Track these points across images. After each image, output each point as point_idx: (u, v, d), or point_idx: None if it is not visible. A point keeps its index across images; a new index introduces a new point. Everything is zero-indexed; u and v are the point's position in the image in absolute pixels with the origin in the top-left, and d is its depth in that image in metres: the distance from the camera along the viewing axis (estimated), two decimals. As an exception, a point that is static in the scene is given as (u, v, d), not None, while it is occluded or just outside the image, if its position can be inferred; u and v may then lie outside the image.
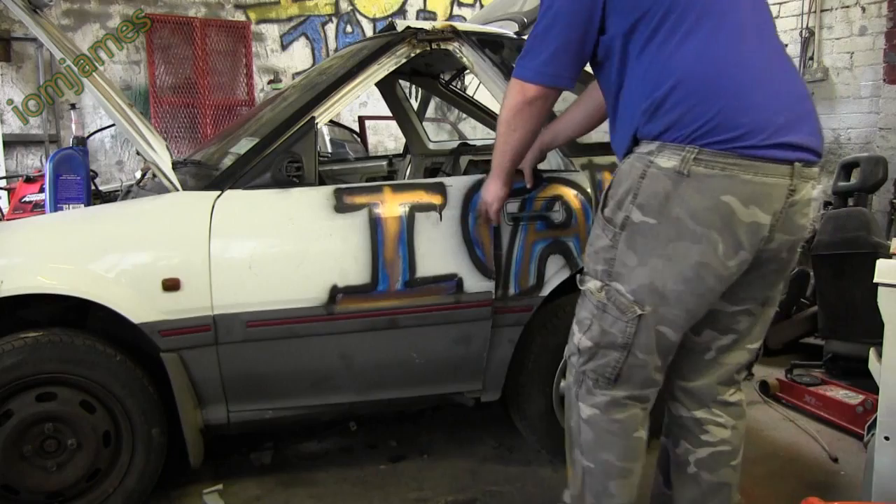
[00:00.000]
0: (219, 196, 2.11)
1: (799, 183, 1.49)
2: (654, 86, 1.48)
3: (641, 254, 1.52)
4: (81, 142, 2.69)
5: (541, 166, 2.29)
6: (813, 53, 5.30)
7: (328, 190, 2.18)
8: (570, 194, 2.31)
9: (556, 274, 2.30)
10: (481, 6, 7.30)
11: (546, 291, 2.30)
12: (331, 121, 2.95)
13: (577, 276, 1.70)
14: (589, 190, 2.32)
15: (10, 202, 3.75)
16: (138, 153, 2.35)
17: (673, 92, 1.46)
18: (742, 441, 1.81)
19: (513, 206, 2.25)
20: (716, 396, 1.76)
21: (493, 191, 2.03)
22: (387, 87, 3.54)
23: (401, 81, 3.63)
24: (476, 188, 2.24)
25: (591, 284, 1.60)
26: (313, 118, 2.22)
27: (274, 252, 2.12)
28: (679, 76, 1.46)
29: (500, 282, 2.24)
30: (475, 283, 2.22)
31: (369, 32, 6.95)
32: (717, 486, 1.76)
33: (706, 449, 1.75)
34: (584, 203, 2.31)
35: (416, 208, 2.19)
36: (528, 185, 2.23)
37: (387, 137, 6.92)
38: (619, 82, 1.58)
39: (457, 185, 2.25)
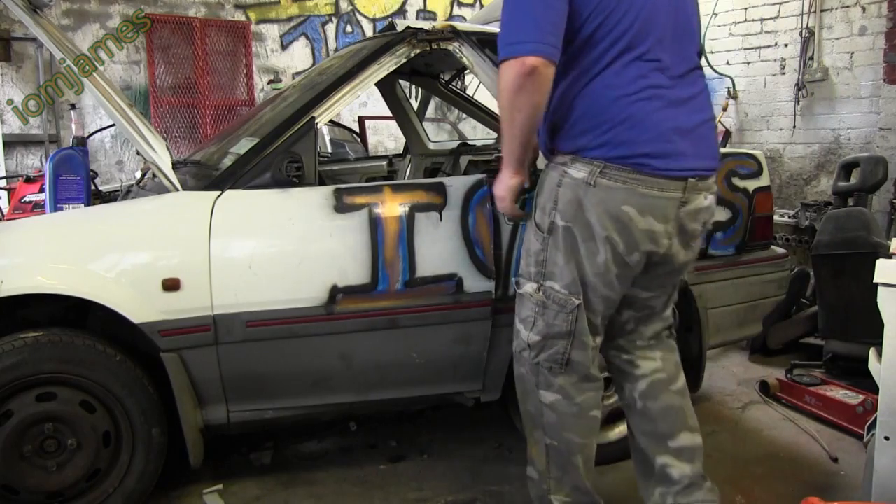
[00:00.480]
0: (219, 196, 2.11)
1: (691, 195, 1.73)
2: (583, 108, 1.67)
3: (566, 253, 1.74)
4: (81, 142, 2.69)
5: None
6: (813, 53, 5.30)
7: (328, 190, 2.18)
8: None
9: None
10: (481, 6, 7.30)
11: None
12: (331, 121, 2.95)
13: (514, 280, 1.88)
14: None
15: (10, 202, 3.74)
16: (138, 153, 2.35)
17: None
18: (677, 369, 2.01)
19: None
20: (638, 343, 1.99)
21: (503, 182, 1.86)
22: (387, 87, 3.54)
23: (401, 81, 3.63)
24: (476, 188, 2.24)
25: (528, 287, 1.81)
26: (313, 118, 2.22)
27: (274, 252, 2.11)
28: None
29: (500, 281, 2.24)
30: (475, 282, 2.22)
31: (369, 32, 6.95)
32: (663, 410, 1.95)
33: (643, 381, 1.97)
34: None
35: (415, 208, 2.19)
36: (526, 184, 2.22)
37: (387, 137, 6.92)
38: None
39: (457, 185, 2.25)
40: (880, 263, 1.72)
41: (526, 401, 1.90)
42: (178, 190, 2.13)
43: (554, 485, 1.88)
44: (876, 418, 1.78)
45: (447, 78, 3.57)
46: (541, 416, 1.86)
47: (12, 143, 5.62)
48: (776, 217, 4.14)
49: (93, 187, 2.61)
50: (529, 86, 1.61)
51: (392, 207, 2.18)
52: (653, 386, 1.97)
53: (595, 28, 1.65)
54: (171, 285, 2.03)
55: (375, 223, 2.16)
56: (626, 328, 1.97)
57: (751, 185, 2.67)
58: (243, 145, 2.31)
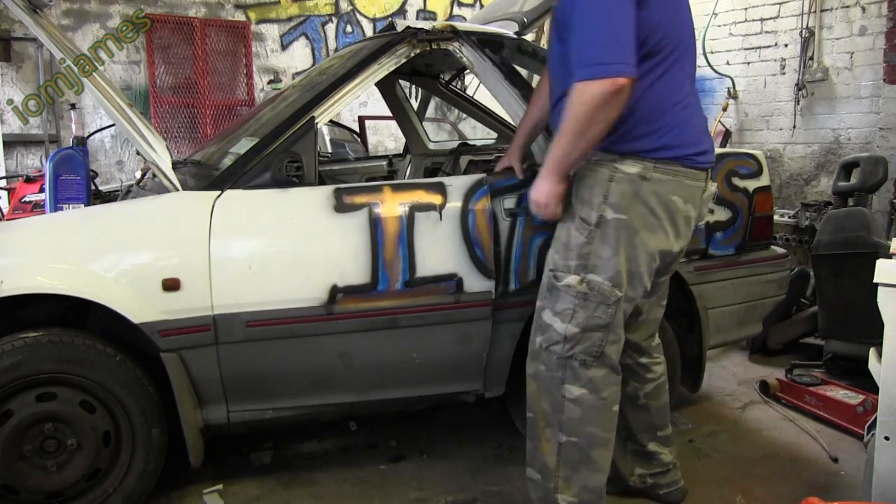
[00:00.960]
0: (219, 196, 2.11)
1: (707, 182, 1.95)
2: (635, 114, 1.80)
3: (615, 245, 1.83)
4: (81, 142, 2.69)
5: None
6: (813, 53, 5.30)
7: (328, 190, 2.18)
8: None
9: None
10: (481, 6, 7.30)
11: None
12: (331, 121, 2.95)
13: (549, 276, 1.91)
14: None
15: (10, 202, 3.74)
16: (138, 153, 2.35)
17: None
18: (666, 369, 2.25)
19: (510, 202, 2.26)
20: (651, 344, 2.19)
21: (546, 189, 1.87)
22: (387, 87, 3.54)
23: (401, 81, 3.63)
24: (476, 188, 2.24)
25: (569, 280, 1.85)
26: (313, 118, 2.22)
27: (274, 252, 2.11)
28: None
29: (501, 278, 2.25)
30: (475, 282, 2.22)
31: (369, 32, 6.94)
32: (660, 407, 2.22)
33: (651, 384, 2.19)
34: None
35: (415, 208, 2.19)
36: (520, 177, 2.26)
37: (387, 137, 6.92)
38: None
39: (456, 184, 2.25)
40: (880, 263, 1.72)
41: (542, 398, 1.92)
42: (178, 190, 2.13)
43: (562, 483, 1.90)
44: (876, 418, 1.78)
45: (447, 78, 3.57)
46: (560, 412, 1.88)
47: (12, 143, 5.62)
48: (776, 217, 4.14)
49: (93, 187, 2.60)
50: (615, 103, 1.71)
51: (392, 207, 2.18)
52: (658, 388, 2.20)
53: (657, 41, 1.79)
54: (171, 285, 2.03)
55: (375, 223, 2.16)
56: (639, 318, 2.09)
57: (751, 185, 2.67)
58: (243, 145, 2.31)
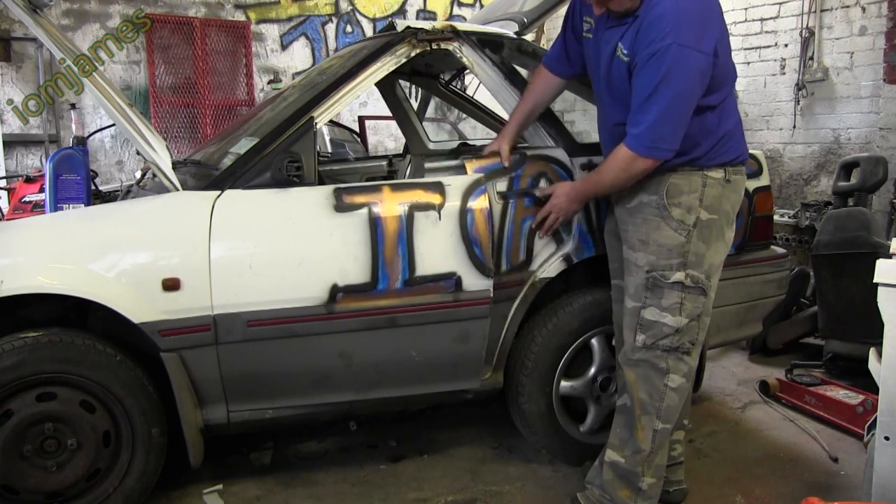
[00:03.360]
0: (219, 196, 2.11)
1: None
2: (725, 125, 2.02)
3: (708, 242, 2.02)
4: (81, 142, 2.68)
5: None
6: (813, 53, 5.30)
7: (328, 189, 2.18)
8: (552, 170, 2.36)
9: (543, 248, 2.34)
10: (481, 6, 7.30)
11: (535, 266, 2.33)
12: (331, 121, 2.95)
13: (649, 277, 2.02)
14: (569, 165, 2.40)
15: (10, 202, 3.74)
16: (138, 153, 2.35)
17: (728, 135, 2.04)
18: None
19: (501, 185, 2.30)
20: None
21: (572, 208, 2.23)
22: (387, 87, 3.54)
23: (401, 81, 3.63)
24: (474, 187, 2.24)
25: (676, 276, 2.01)
26: (312, 118, 2.22)
27: (274, 251, 2.11)
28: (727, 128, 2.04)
29: (494, 262, 2.27)
30: (474, 281, 2.23)
31: (369, 32, 6.94)
32: (689, 394, 2.25)
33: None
34: (565, 178, 2.37)
35: (415, 207, 2.20)
36: (506, 164, 2.32)
37: (387, 137, 6.92)
38: None
39: (455, 184, 2.26)
40: (880, 263, 1.72)
41: (640, 388, 2.05)
42: (178, 190, 2.13)
43: (647, 468, 2.06)
44: (876, 418, 1.78)
45: (447, 78, 3.56)
46: (661, 400, 2.03)
47: (12, 143, 5.63)
48: (776, 217, 4.14)
49: (93, 187, 2.60)
50: (637, 178, 1.99)
51: (391, 207, 2.18)
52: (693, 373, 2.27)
53: (725, 77, 2.00)
54: (171, 285, 2.03)
55: (375, 222, 2.16)
56: None
57: (751, 185, 2.67)
58: (243, 145, 2.31)
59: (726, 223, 2.07)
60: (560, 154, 2.40)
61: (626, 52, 1.94)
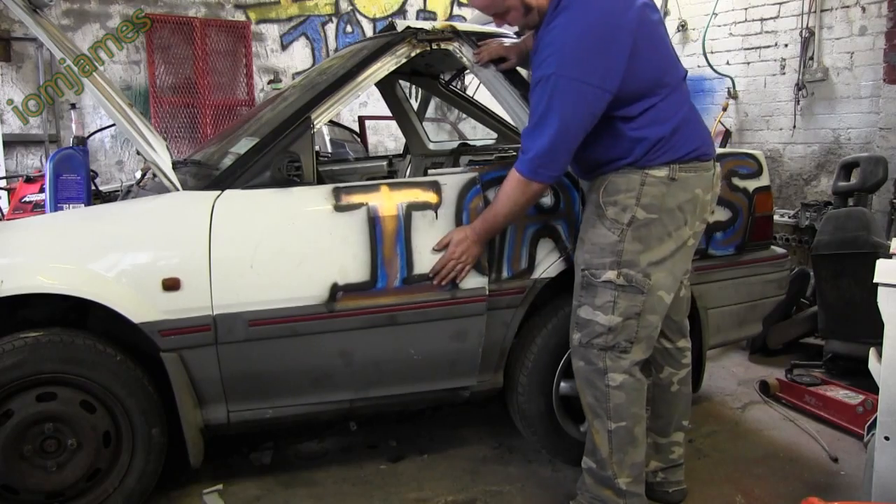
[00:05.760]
0: (219, 196, 2.11)
1: (715, 166, 2.10)
2: (649, 133, 1.96)
3: (645, 241, 1.98)
4: (81, 142, 2.68)
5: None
6: (813, 53, 5.30)
7: (327, 189, 2.18)
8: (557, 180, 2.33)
9: (546, 257, 2.33)
10: (481, 6, 7.28)
11: (537, 274, 2.33)
12: (331, 121, 2.95)
13: (584, 275, 2.02)
14: (575, 176, 2.35)
15: (10, 202, 3.74)
16: (138, 153, 2.35)
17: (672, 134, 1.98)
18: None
19: None
20: (686, 325, 2.28)
21: (474, 252, 2.17)
22: (387, 87, 3.54)
23: (401, 81, 3.63)
24: (470, 186, 2.25)
25: (608, 275, 1.99)
26: (311, 118, 2.22)
27: (274, 251, 2.11)
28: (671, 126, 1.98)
29: (494, 265, 2.27)
30: (470, 279, 2.24)
31: (369, 32, 6.94)
32: (687, 395, 2.30)
33: (685, 369, 2.27)
34: (570, 188, 2.36)
35: (412, 206, 2.20)
36: (476, 59, 2.42)
37: (387, 137, 6.92)
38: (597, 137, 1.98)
39: (451, 182, 2.26)
40: (880, 263, 1.72)
41: (585, 393, 2.06)
42: (178, 190, 2.13)
43: (617, 468, 2.03)
44: (876, 418, 1.79)
45: (447, 78, 3.56)
46: (606, 400, 2.01)
47: (12, 143, 5.62)
48: (776, 217, 4.14)
49: (93, 187, 2.60)
50: (532, 202, 2.06)
51: (389, 206, 2.19)
52: (688, 374, 2.29)
53: (652, 85, 1.97)
54: (171, 285, 2.03)
55: (374, 221, 2.16)
56: (681, 308, 2.22)
57: (751, 184, 2.67)
58: (243, 145, 2.32)
59: (672, 222, 2.00)
60: None
61: (534, 56, 1.95)
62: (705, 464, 2.57)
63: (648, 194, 1.97)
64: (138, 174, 2.82)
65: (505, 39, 2.52)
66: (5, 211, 3.79)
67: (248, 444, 2.68)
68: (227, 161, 2.28)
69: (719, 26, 6.08)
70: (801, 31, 5.32)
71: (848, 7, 5.08)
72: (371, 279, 2.16)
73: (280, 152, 2.16)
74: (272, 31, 6.65)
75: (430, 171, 2.45)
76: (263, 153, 2.17)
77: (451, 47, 2.45)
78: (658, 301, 2.02)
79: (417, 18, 7.14)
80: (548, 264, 2.34)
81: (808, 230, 4.34)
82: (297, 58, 6.75)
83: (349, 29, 6.95)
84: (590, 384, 2.03)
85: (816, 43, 5.28)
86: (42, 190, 3.03)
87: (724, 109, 5.92)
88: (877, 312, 1.72)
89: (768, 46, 5.68)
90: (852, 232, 3.25)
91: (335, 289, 2.13)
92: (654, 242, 1.99)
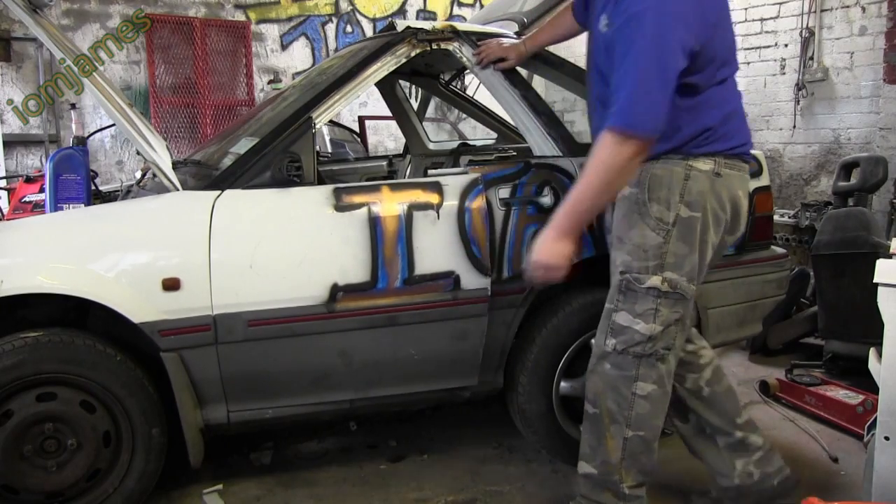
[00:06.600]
0: (219, 196, 2.11)
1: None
2: (702, 115, 1.85)
3: (690, 243, 1.87)
4: (81, 142, 2.68)
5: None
6: (813, 53, 5.30)
7: (328, 189, 2.18)
8: (557, 179, 2.34)
9: None
10: (481, 6, 7.30)
11: None
12: (331, 121, 2.95)
13: (623, 279, 1.89)
14: (575, 175, 2.35)
15: (10, 202, 3.74)
16: (138, 153, 2.35)
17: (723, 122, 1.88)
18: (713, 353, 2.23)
19: (504, 192, 2.29)
20: (693, 331, 2.14)
21: (564, 250, 1.83)
22: (387, 87, 3.54)
23: (401, 81, 3.63)
24: (472, 186, 2.25)
25: (652, 281, 1.86)
26: (312, 118, 2.22)
27: (274, 251, 2.11)
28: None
29: (495, 266, 2.26)
30: (472, 280, 2.23)
31: (369, 32, 6.95)
32: (727, 391, 2.14)
33: (708, 369, 2.13)
34: (570, 188, 2.33)
35: (413, 207, 2.20)
36: (476, 60, 2.44)
37: (387, 137, 6.92)
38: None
39: (453, 183, 2.26)
40: (880, 263, 1.72)
41: (607, 397, 1.94)
42: (178, 190, 2.13)
43: (625, 473, 1.95)
44: (876, 418, 1.78)
45: (447, 78, 3.57)
46: (629, 408, 1.91)
47: (12, 143, 5.63)
48: (776, 217, 4.14)
49: (93, 187, 2.60)
50: (636, 164, 1.78)
51: (390, 206, 2.19)
52: (715, 371, 2.14)
53: (725, 52, 1.89)
54: (170, 285, 2.03)
55: (374, 222, 2.16)
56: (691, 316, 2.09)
57: (751, 184, 2.67)
58: (243, 145, 2.32)
59: (713, 223, 1.90)
60: (565, 163, 2.38)
61: (607, 21, 1.83)
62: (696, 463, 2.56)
63: (692, 190, 1.86)
64: (138, 174, 2.82)
65: (504, 39, 2.52)
66: (5, 211, 3.80)
67: (248, 444, 2.68)
68: (228, 161, 2.28)
69: (719, 26, 6.07)
70: (801, 31, 5.32)
71: (848, 7, 5.08)
72: (371, 280, 2.15)
73: (280, 152, 2.16)
74: (272, 31, 6.66)
75: (430, 172, 2.44)
76: (264, 153, 2.17)
77: (451, 47, 2.45)
78: (691, 308, 1.95)
79: (417, 18, 7.15)
80: None
81: (808, 230, 4.34)
82: (297, 58, 6.76)
83: (349, 29, 6.95)
84: (614, 389, 1.92)
85: (816, 43, 5.28)
86: (42, 190, 3.03)
87: (724, 109, 5.91)
88: (877, 312, 1.72)
89: (768, 46, 5.68)
90: (852, 232, 3.25)
91: (335, 289, 2.13)
92: (698, 244, 1.88)
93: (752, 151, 2.77)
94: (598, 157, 1.76)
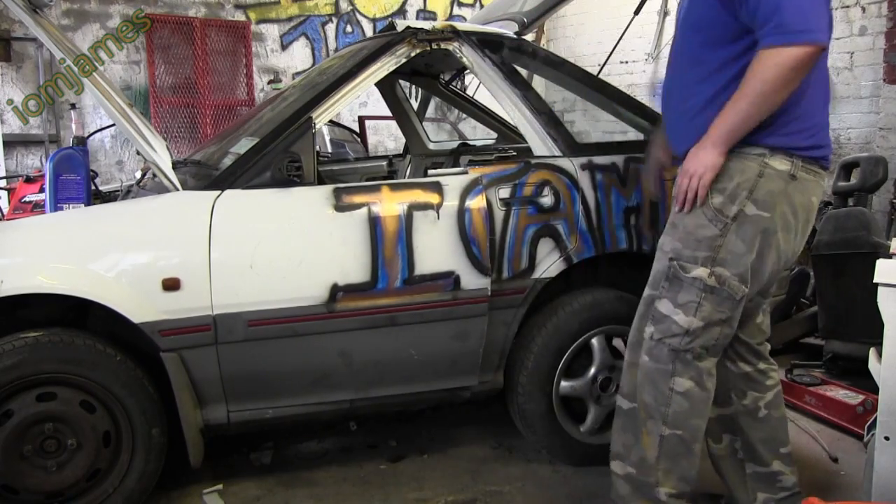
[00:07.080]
0: (219, 196, 2.11)
1: None
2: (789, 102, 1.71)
3: (750, 242, 1.78)
4: (81, 142, 2.69)
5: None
6: (813, 53, 5.30)
7: (328, 189, 2.18)
8: (557, 179, 2.34)
9: (546, 256, 2.33)
10: (481, 6, 7.30)
11: (538, 274, 2.32)
12: (331, 121, 2.95)
13: (671, 265, 1.83)
14: (575, 175, 2.36)
15: (10, 202, 3.75)
16: (138, 153, 2.35)
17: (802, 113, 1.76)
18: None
19: (504, 192, 2.29)
20: (765, 348, 2.08)
21: (711, 160, 1.76)
22: (387, 87, 3.54)
23: (401, 81, 3.63)
24: (472, 186, 2.25)
25: (698, 272, 1.80)
26: (312, 118, 2.22)
27: (274, 251, 2.11)
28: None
29: (495, 266, 2.27)
30: (472, 280, 2.23)
31: (369, 32, 6.95)
32: (781, 419, 2.09)
33: (771, 392, 2.06)
34: (570, 187, 2.35)
35: (413, 207, 2.20)
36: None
37: (387, 137, 6.93)
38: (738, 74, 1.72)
39: (453, 183, 2.26)
40: (880, 263, 1.72)
41: (644, 390, 1.88)
42: (178, 190, 2.13)
43: (662, 476, 1.88)
44: (876, 418, 1.78)
45: (447, 78, 3.57)
46: (666, 405, 1.85)
47: (12, 143, 5.63)
48: (776, 217, 4.12)
49: (93, 187, 2.60)
50: (806, 70, 1.67)
51: (390, 206, 2.19)
52: (777, 396, 2.08)
53: None
54: (171, 285, 2.03)
55: (375, 222, 2.16)
56: (756, 320, 2.02)
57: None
58: (243, 145, 2.32)
59: (782, 228, 1.80)
60: (565, 163, 2.37)
61: None
62: (706, 464, 2.56)
63: (764, 188, 1.75)
64: (138, 174, 2.82)
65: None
66: (5, 211, 3.80)
67: (248, 444, 2.68)
68: (228, 161, 2.28)
69: (719, 26, 6.07)
70: (801, 31, 5.31)
71: (848, 7, 5.08)
72: (371, 280, 2.15)
73: (280, 152, 2.16)
74: (272, 31, 6.66)
75: (430, 172, 2.44)
76: (264, 153, 2.17)
77: (451, 47, 2.45)
78: (742, 311, 1.85)
79: (417, 18, 7.15)
80: (548, 264, 2.34)
81: (808, 230, 4.33)
82: (297, 58, 6.76)
83: (349, 29, 6.95)
84: (652, 383, 1.86)
85: (816, 43, 5.27)
86: (42, 190, 3.03)
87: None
88: (877, 312, 1.72)
89: (768, 46, 5.68)
90: (852, 232, 3.25)
91: (335, 289, 2.13)
92: (758, 246, 1.79)
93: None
94: (759, 69, 1.66)
